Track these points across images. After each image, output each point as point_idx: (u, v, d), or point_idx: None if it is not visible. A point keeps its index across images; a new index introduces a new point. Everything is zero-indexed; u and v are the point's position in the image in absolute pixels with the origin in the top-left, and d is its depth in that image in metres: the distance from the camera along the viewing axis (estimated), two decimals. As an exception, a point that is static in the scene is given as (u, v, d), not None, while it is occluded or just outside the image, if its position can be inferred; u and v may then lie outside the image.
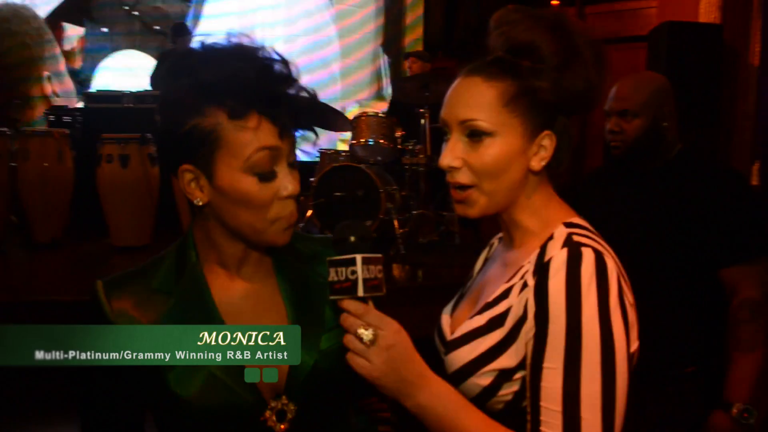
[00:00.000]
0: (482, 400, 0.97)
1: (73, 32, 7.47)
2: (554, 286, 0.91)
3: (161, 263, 1.03)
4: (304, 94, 0.96)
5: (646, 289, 1.82)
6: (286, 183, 0.95)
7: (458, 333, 1.02)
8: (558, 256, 0.93)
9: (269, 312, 1.03)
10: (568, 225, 1.00)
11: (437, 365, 1.09)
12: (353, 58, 8.29)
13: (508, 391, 0.96)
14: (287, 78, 0.94)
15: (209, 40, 0.95)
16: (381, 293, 0.89)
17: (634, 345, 0.97)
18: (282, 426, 0.99)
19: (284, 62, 0.95)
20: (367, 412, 1.16)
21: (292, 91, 0.94)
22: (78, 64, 7.46)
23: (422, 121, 4.32)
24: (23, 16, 6.94)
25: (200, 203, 0.96)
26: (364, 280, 0.86)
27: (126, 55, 7.52)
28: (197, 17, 7.74)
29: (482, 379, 0.97)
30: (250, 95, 0.90)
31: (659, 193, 1.86)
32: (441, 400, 0.92)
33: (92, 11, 7.47)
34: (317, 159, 4.74)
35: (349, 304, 0.88)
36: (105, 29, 7.58)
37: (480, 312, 1.02)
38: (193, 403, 0.95)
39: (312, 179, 4.12)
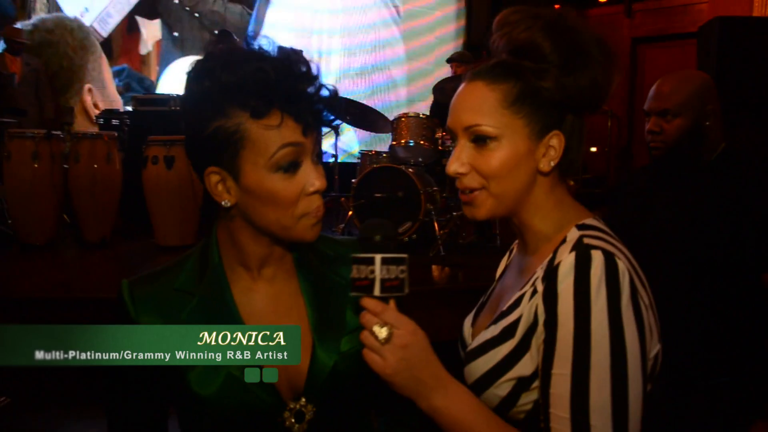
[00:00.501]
0: (503, 410, 0.96)
1: (151, 38, 7.70)
2: (563, 291, 0.89)
3: (185, 263, 1.04)
4: (325, 91, 0.96)
5: (684, 292, 1.78)
6: (312, 179, 0.95)
7: (475, 344, 1.01)
8: (566, 260, 0.90)
9: (290, 313, 1.03)
10: (581, 227, 0.97)
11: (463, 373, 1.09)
12: (422, 62, 8.26)
13: (527, 400, 0.94)
14: (307, 75, 0.95)
15: (230, 45, 0.96)
16: (401, 293, 0.88)
17: (654, 349, 0.94)
18: (300, 427, 1.00)
19: (304, 60, 0.95)
20: (388, 415, 1.15)
21: (312, 88, 0.95)
22: (153, 68, 7.71)
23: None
24: (66, 27, 7.18)
25: (228, 204, 0.96)
26: (382, 280, 0.86)
27: (190, 60, 7.71)
28: (259, 23, 7.84)
29: (500, 389, 0.95)
30: (271, 93, 0.90)
31: (701, 193, 1.80)
32: (456, 403, 0.91)
33: (162, 14, 7.70)
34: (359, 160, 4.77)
35: (367, 301, 0.89)
36: (176, 33, 7.81)
37: (495, 321, 1.00)
38: (213, 402, 0.96)
39: (354, 180, 4.14)
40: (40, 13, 7.13)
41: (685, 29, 7.18)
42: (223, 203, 0.96)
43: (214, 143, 0.92)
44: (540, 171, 0.99)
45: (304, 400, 1.00)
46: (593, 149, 8.11)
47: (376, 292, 0.87)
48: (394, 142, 4.32)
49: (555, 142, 0.98)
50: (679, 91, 1.82)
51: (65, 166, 4.30)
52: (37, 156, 4.15)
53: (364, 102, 5.02)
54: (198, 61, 0.95)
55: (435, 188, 4.22)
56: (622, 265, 0.89)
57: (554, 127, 0.98)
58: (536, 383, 0.93)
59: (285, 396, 1.00)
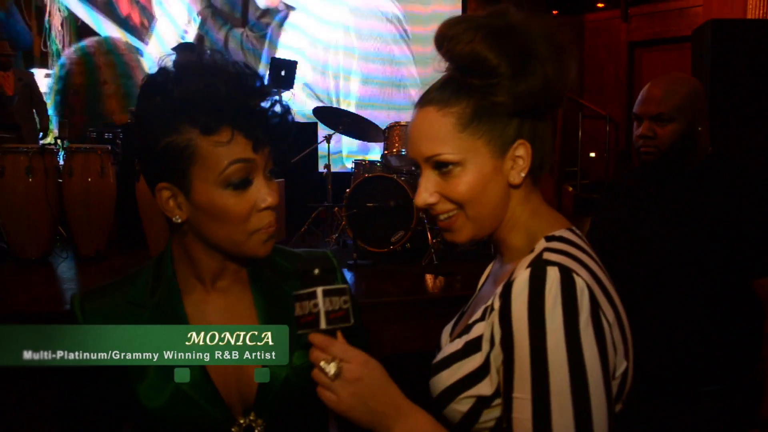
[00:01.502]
0: (465, 426, 0.93)
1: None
2: (517, 310, 0.85)
3: (138, 276, 1.04)
4: (277, 107, 0.95)
5: (673, 299, 1.76)
6: (264, 195, 0.94)
7: (439, 356, 0.98)
8: (521, 277, 0.86)
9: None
10: (549, 238, 0.93)
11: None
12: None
13: (489, 417, 0.92)
14: (259, 91, 0.94)
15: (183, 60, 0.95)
16: (348, 323, 0.86)
17: (621, 367, 0.90)
18: None
19: (256, 76, 0.95)
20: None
21: (265, 104, 0.93)
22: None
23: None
24: (107, 49, 7.31)
25: (179, 220, 0.95)
26: (327, 312, 0.85)
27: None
28: (273, 46, 7.89)
29: (461, 405, 0.93)
30: (222, 109, 0.89)
31: (689, 198, 1.77)
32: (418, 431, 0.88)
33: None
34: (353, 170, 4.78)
35: (314, 337, 0.86)
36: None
37: (459, 334, 0.97)
38: (161, 416, 0.96)
39: (347, 190, 4.15)
40: (56, 40, 7.21)
41: (681, 33, 7.16)
42: (174, 219, 0.95)
43: (165, 159, 0.91)
44: (511, 185, 0.95)
45: (253, 414, 0.99)
46: (592, 154, 8.10)
47: (322, 325, 0.85)
48: (387, 152, 4.32)
49: (521, 151, 0.94)
50: (674, 95, 1.78)
51: (59, 180, 4.32)
52: (31, 170, 4.17)
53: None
54: (150, 76, 0.94)
55: (428, 197, 4.21)
56: (580, 282, 0.85)
57: (516, 137, 0.93)
58: (498, 401, 0.90)
59: (234, 411, 0.99)
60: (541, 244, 0.93)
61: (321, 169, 5.68)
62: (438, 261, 3.90)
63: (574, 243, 0.94)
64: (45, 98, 6.41)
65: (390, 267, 4.01)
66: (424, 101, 0.96)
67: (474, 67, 0.90)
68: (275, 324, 1.00)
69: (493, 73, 0.89)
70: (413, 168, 4.37)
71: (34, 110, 6.03)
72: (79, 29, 7.28)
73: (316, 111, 4.61)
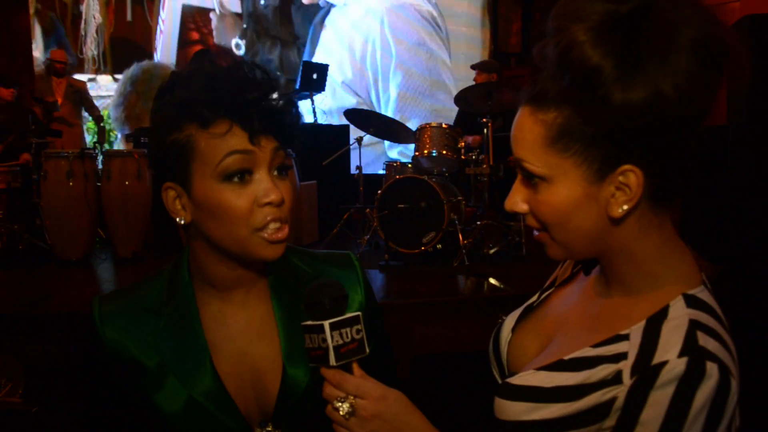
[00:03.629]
0: None
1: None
2: (656, 400, 0.72)
3: (154, 281, 1.03)
4: (277, 98, 0.92)
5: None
6: (266, 189, 0.90)
7: (518, 381, 0.86)
8: (674, 368, 0.72)
9: (261, 339, 1.00)
10: (690, 302, 0.78)
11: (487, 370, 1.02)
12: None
13: None
14: (257, 83, 0.91)
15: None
16: (363, 354, 0.81)
17: None
18: None
19: (258, 68, 0.93)
20: None
21: (262, 96, 0.91)
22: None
23: (485, 130, 4.27)
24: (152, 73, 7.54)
25: (183, 222, 0.94)
26: (336, 348, 0.79)
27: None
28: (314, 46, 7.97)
29: None
30: (219, 102, 0.89)
31: None
32: None
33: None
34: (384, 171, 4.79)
35: (325, 372, 0.81)
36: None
37: (550, 368, 0.84)
38: (177, 425, 0.95)
39: (379, 191, 4.17)
40: (91, 47, 7.45)
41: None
42: (178, 220, 0.94)
43: (169, 157, 0.91)
44: (611, 218, 0.79)
45: (271, 425, 0.98)
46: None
47: (332, 361, 0.79)
48: (417, 153, 4.32)
49: (630, 179, 0.76)
50: None
51: (98, 183, 4.43)
52: (72, 174, 4.29)
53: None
54: (163, 82, 0.96)
55: (459, 198, 4.20)
56: (734, 387, 0.72)
57: (622, 161, 0.75)
58: None
59: (252, 421, 0.98)
60: (681, 306, 0.78)
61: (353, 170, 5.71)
62: (469, 262, 3.88)
63: (717, 314, 0.79)
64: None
65: (421, 268, 4.00)
66: (525, 96, 0.82)
67: (572, 68, 0.73)
68: (296, 335, 0.98)
69: (593, 77, 0.72)
70: (444, 169, 4.37)
71: (84, 114, 6.39)
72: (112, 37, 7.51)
73: (347, 113, 4.64)
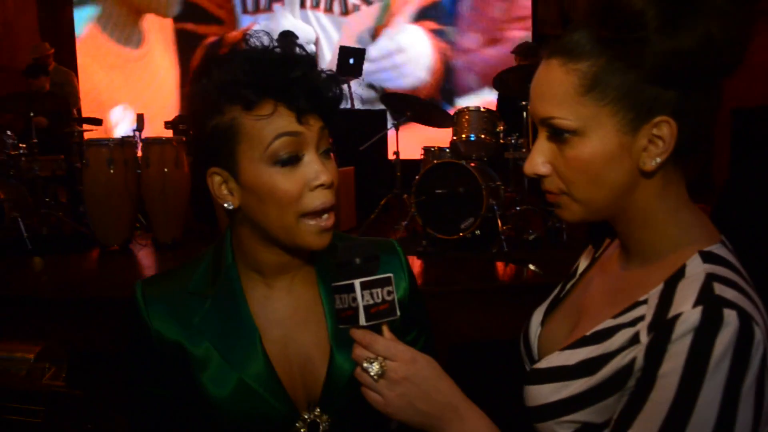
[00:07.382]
0: None
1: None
2: (674, 352, 0.70)
3: (197, 265, 1.02)
4: (322, 76, 0.90)
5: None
6: (317, 171, 0.88)
7: (544, 364, 0.85)
8: (689, 317, 0.70)
9: (308, 324, 0.99)
10: (707, 258, 0.76)
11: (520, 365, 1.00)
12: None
13: None
14: (301, 60, 0.89)
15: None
16: (394, 317, 0.79)
17: None
18: None
19: (298, 45, 0.91)
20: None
21: (306, 72, 0.88)
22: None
23: (524, 114, 4.17)
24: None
25: (231, 207, 0.92)
26: (366, 307, 0.77)
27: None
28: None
29: (562, 428, 0.81)
30: (261, 82, 0.86)
31: None
32: None
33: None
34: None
35: (354, 333, 0.80)
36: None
37: (572, 346, 0.83)
38: (224, 407, 0.94)
39: (416, 177, 4.11)
40: None
41: None
42: (226, 206, 0.92)
43: (212, 142, 0.90)
44: (642, 171, 0.78)
45: (318, 410, 0.97)
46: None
47: (362, 321, 0.78)
48: (455, 137, 4.25)
49: (662, 130, 0.75)
50: None
51: (138, 171, 4.49)
52: (112, 162, 4.35)
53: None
54: (198, 65, 0.93)
55: (498, 183, 4.12)
56: (758, 335, 0.69)
57: (657, 111, 0.75)
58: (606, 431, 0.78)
59: (299, 405, 0.97)
60: (698, 262, 0.76)
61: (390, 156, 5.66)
62: (508, 248, 3.81)
63: (737, 269, 0.76)
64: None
65: (459, 254, 3.95)
66: (551, 51, 0.80)
67: (611, 13, 0.72)
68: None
69: (635, 22, 0.71)
70: (482, 154, 4.28)
71: None
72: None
73: (384, 98, 4.59)
